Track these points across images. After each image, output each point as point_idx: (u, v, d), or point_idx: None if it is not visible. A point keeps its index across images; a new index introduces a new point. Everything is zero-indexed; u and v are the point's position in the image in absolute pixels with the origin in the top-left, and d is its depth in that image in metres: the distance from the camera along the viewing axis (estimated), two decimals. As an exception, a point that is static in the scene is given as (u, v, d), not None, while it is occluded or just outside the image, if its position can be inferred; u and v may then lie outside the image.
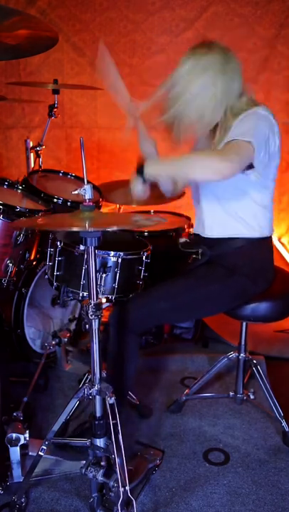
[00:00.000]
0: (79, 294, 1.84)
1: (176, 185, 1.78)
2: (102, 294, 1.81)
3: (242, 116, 1.62)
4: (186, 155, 1.66)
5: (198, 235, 1.88)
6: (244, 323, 2.04)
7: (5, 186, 2.22)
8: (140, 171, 1.59)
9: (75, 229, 1.30)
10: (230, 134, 1.60)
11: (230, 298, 1.80)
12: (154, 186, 1.71)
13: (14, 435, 1.64)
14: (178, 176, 1.61)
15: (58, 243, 1.86)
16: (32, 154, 2.71)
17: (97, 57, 1.76)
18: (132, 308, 1.75)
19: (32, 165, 2.72)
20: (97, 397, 1.51)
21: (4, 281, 2.00)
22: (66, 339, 2.35)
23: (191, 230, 2.39)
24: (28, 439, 1.67)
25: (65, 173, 2.57)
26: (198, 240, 1.87)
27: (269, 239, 1.82)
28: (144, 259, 1.87)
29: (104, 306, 1.64)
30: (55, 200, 2.22)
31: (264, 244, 1.79)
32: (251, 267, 1.77)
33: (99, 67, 1.78)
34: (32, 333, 2.33)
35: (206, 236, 1.83)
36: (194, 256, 1.85)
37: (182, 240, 2.24)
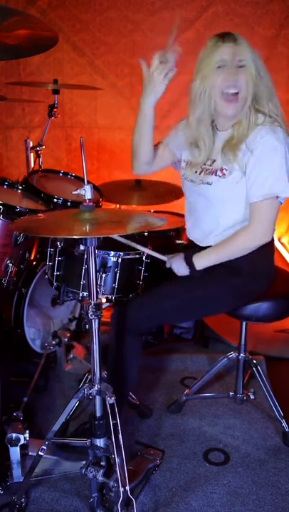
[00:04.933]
0: (79, 294, 1.84)
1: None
2: (102, 294, 1.80)
3: (256, 154, 1.61)
4: (225, 244, 1.73)
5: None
6: (244, 323, 2.04)
7: (5, 186, 2.22)
8: (188, 262, 1.73)
9: (75, 236, 1.31)
10: (254, 173, 1.62)
11: (233, 298, 1.80)
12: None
13: (14, 435, 1.64)
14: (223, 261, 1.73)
15: (58, 243, 1.86)
16: (32, 154, 2.70)
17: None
18: (134, 309, 1.75)
19: (32, 165, 2.72)
20: (97, 397, 1.51)
21: (4, 281, 2.00)
22: (66, 339, 2.35)
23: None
24: (28, 439, 1.67)
25: (65, 173, 2.57)
26: (196, 244, 1.87)
27: (271, 241, 1.82)
28: (144, 259, 1.87)
29: (104, 306, 1.64)
30: (55, 200, 2.22)
31: (266, 246, 1.79)
32: (253, 268, 1.77)
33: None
34: (32, 333, 2.33)
35: (204, 245, 1.83)
36: None
37: (179, 242, 2.25)
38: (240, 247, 1.70)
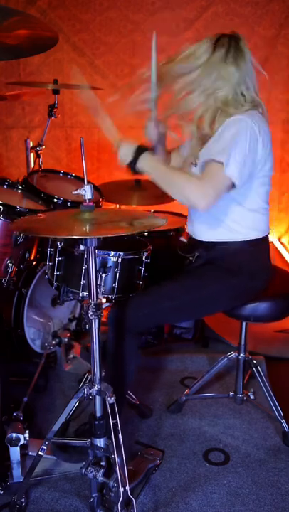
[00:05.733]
0: (79, 294, 1.84)
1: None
2: (102, 294, 1.81)
3: (224, 126, 1.62)
4: (174, 171, 1.71)
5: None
6: (244, 323, 2.04)
7: (5, 186, 2.22)
8: (139, 151, 1.66)
9: (75, 236, 1.31)
10: (210, 147, 1.64)
11: (230, 298, 1.80)
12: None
13: (14, 435, 1.64)
14: (158, 183, 1.66)
15: (58, 243, 1.86)
16: (32, 154, 2.71)
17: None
18: (132, 308, 1.75)
19: (32, 165, 2.72)
20: (97, 397, 1.51)
21: (4, 281, 2.00)
22: (66, 339, 2.35)
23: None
24: (28, 439, 1.67)
25: (65, 173, 2.57)
26: (195, 242, 1.87)
27: (265, 238, 1.82)
28: (144, 259, 1.87)
29: (104, 306, 1.64)
30: (55, 200, 2.22)
31: (260, 244, 1.79)
32: (249, 267, 1.77)
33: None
34: (32, 333, 2.33)
35: (198, 239, 1.83)
36: (190, 258, 1.86)
37: (181, 239, 2.25)
38: (178, 186, 1.63)
